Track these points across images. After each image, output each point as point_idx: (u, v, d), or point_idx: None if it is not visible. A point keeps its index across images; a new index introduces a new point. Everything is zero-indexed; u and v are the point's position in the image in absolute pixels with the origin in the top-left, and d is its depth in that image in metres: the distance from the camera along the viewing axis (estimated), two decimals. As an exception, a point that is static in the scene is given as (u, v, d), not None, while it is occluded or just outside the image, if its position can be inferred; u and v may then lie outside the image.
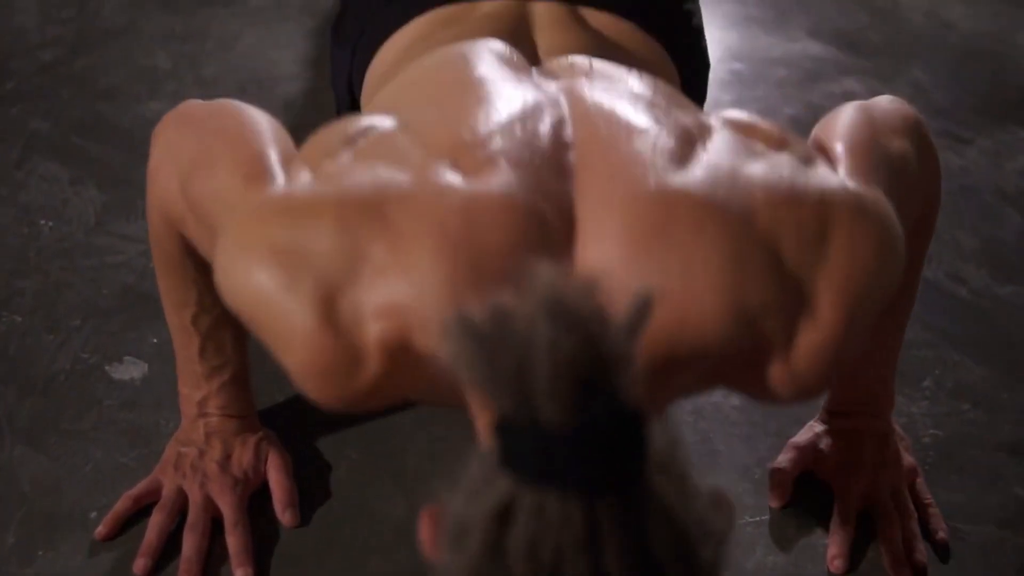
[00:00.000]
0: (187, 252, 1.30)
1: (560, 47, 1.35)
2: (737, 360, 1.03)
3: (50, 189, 1.90)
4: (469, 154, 1.04)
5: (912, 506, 1.48)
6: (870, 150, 1.15)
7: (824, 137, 1.18)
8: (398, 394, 1.04)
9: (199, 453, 1.45)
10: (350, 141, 1.09)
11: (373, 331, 0.98)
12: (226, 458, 1.45)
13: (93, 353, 1.63)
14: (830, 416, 1.52)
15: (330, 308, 0.98)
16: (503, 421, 0.75)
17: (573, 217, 1.03)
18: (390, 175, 1.03)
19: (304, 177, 1.06)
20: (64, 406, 1.56)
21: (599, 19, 1.42)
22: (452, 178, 1.02)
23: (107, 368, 1.62)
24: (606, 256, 1.00)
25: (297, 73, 2.17)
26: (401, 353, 0.99)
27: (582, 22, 1.41)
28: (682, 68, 1.46)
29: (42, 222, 1.84)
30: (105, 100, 2.08)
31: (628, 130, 1.08)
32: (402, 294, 0.98)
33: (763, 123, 1.14)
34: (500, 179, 1.02)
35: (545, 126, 1.09)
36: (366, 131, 1.10)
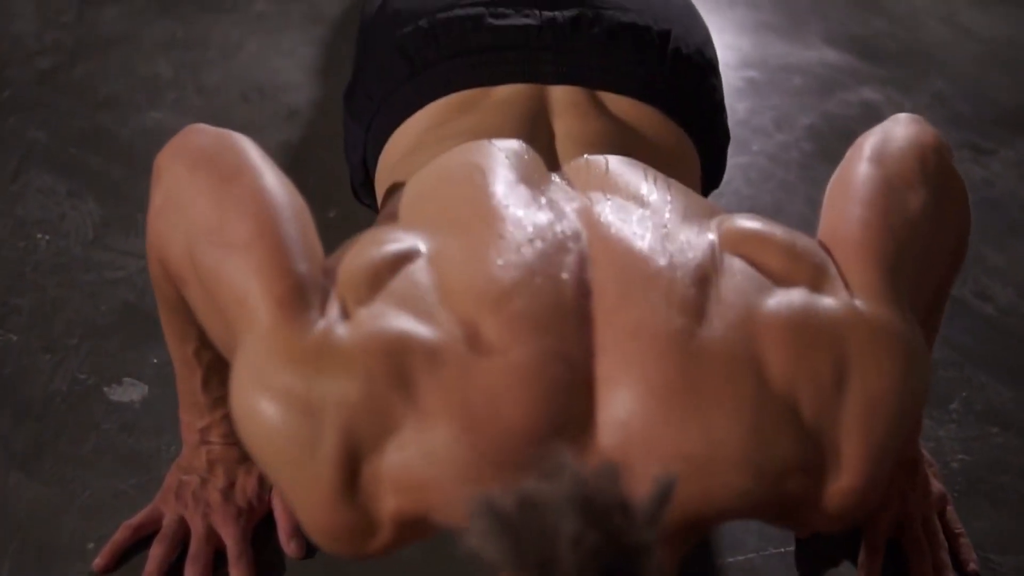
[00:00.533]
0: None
1: (578, 134, 1.33)
2: (766, 512, 1.03)
3: (47, 202, 1.84)
4: (491, 317, 1.02)
5: (942, 536, 1.43)
6: (886, 234, 1.11)
7: (835, 225, 1.13)
8: (408, 545, 1.03)
9: (201, 482, 1.39)
10: (380, 278, 1.05)
11: (390, 505, 0.98)
12: (229, 487, 1.39)
13: (91, 374, 1.58)
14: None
15: (351, 475, 0.97)
16: None
17: (594, 377, 1.01)
18: (418, 331, 1.00)
19: (334, 316, 1.01)
20: (61, 430, 1.51)
21: (618, 104, 1.38)
22: (475, 352, 1.00)
23: (106, 390, 1.56)
24: (628, 422, 0.99)
25: (301, 81, 2.12)
26: (415, 525, 0.99)
27: (601, 107, 1.37)
28: (703, 147, 1.43)
29: (39, 236, 1.78)
30: (105, 110, 2.03)
31: (645, 276, 1.06)
32: (423, 473, 0.97)
33: (771, 236, 1.11)
34: (522, 351, 1.00)
35: (567, 270, 1.06)
36: (395, 265, 1.06)
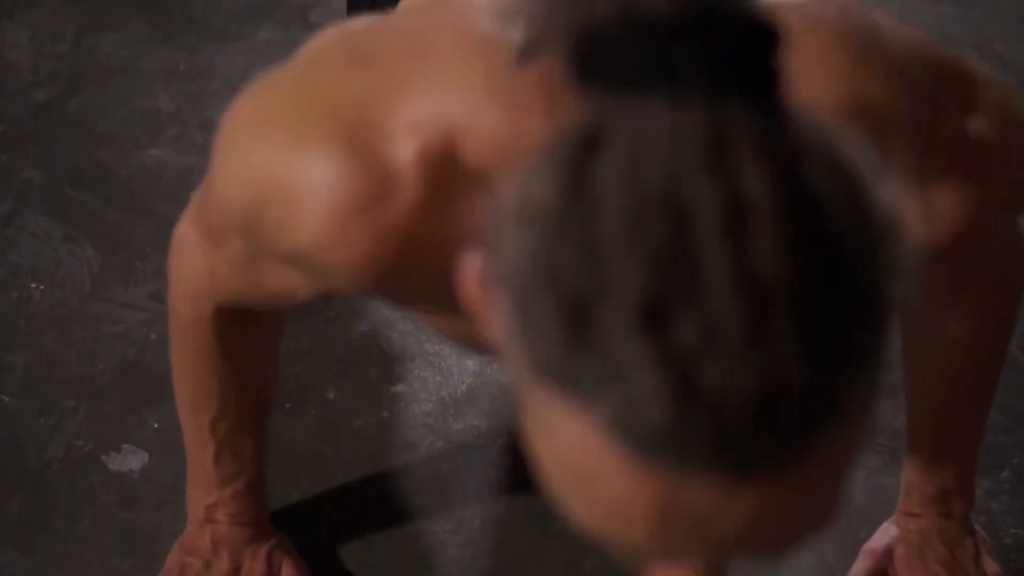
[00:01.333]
0: (219, 343, 1.16)
1: None
2: None
3: (42, 248, 1.74)
4: None
5: (998, 621, 1.34)
6: None
7: None
8: (439, 258, 0.80)
9: (205, 564, 1.30)
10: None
11: (407, 145, 0.79)
12: (234, 571, 1.30)
13: (88, 440, 1.49)
14: (905, 518, 1.37)
15: (348, 139, 0.80)
16: (587, 28, 0.59)
17: None
18: (400, 21, 0.86)
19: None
20: (56, 502, 1.42)
21: None
22: None
23: (104, 458, 1.47)
24: None
25: (309, 115, 2.02)
26: (443, 172, 0.79)
27: None
28: None
29: (33, 286, 1.69)
30: (103, 146, 1.93)
31: None
32: (442, 103, 0.79)
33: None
34: None
35: None
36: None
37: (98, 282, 1.69)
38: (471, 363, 1.57)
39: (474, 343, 0.93)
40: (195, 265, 1.10)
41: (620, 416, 0.56)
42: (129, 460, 1.47)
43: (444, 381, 1.55)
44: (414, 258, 0.81)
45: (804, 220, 0.56)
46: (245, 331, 1.17)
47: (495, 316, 0.61)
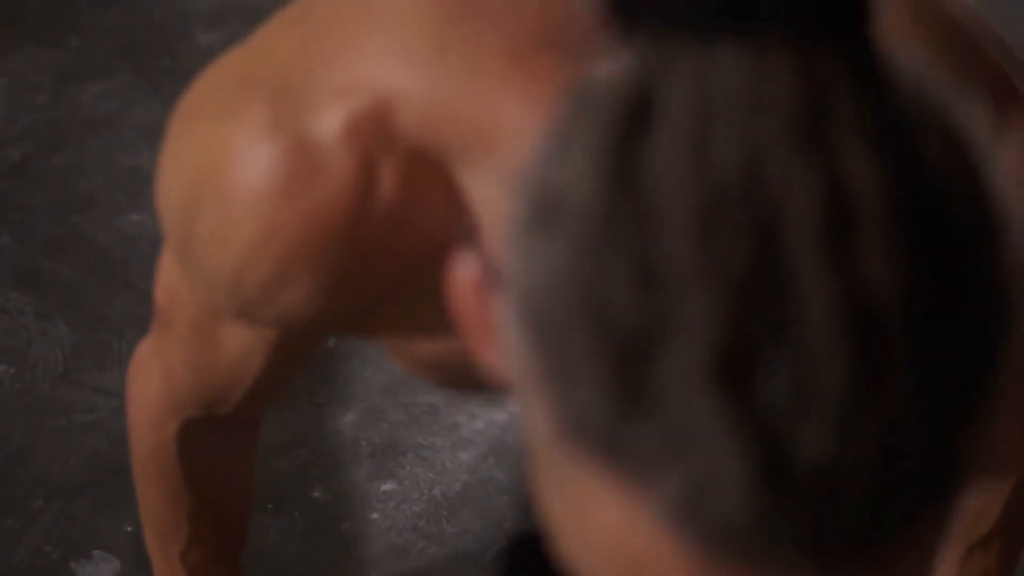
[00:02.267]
0: (185, 472, 1.07)
1: None
2: None
3: (13, 325, 1.65)
4: None
5: None
6: None
7: None
8: (401, 252, 0.72)
9: None
10: None
11: (333, 115, 0.69)
12: None
13: (57, 545, 1.39)
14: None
15: (272, 114, 0.70)
16: None
17: None
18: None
19: None
20: (20, 616, 1.33)
21: None
22: None
23: (73, 565, 1.38)
24: None
25: (298, 173, 1.93)
26: (377, 145, 0.69)
27: None
28: None
29: (3, 368, 1.59)
30: (80, 210, 1.84)
31: None
32: (379, 64, 0.69)
33: None
34: None
35: None
36: None
37: (71, 364, 1.60)
38: (465, 456, 1.48)
39: (469, 378, 0.83)
40: (151, 379, 1.02)
41: (686, 499, 0.43)
42: (100, 568, 1.38)
43: (436, 478, 1.46)
44: (364, 252, 0.71)
45: (923, 222, 0.42)
46: (212, 452, 1.08)
47: (503, 343, 0.47)
